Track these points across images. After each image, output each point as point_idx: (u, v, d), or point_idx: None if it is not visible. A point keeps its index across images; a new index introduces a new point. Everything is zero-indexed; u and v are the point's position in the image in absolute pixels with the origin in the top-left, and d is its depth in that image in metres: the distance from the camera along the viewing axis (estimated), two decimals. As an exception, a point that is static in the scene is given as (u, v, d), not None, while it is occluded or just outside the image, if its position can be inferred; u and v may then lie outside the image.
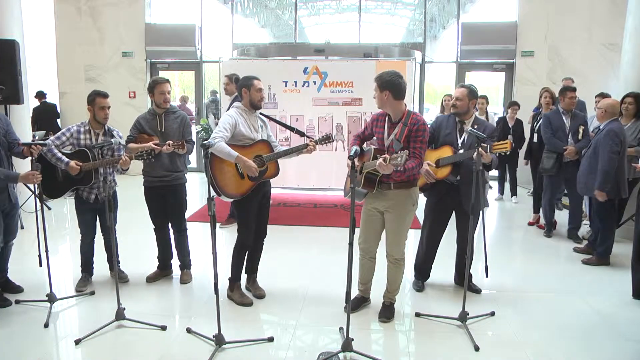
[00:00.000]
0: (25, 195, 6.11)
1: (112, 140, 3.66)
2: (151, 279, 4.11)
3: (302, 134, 4.04)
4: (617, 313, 3.63)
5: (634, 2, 5.84)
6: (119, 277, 3.93)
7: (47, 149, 3.63)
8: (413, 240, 5.41)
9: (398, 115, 3.24)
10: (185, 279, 4.12)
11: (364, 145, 3.48)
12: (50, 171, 3.73)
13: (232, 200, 3.64)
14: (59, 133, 3.80)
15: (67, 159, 3.63)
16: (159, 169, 3.89)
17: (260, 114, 3.72)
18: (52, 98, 9.12)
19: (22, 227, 5.59)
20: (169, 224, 4.12)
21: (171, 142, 3.72)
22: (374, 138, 3.43)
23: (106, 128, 3.81)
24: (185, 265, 4.18)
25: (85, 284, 3.95)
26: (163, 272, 4.18)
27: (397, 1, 15.51)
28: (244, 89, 3.55)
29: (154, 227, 4.08)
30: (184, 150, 3.80)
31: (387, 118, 3.31)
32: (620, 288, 4.03)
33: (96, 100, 3.71)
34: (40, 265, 3.58)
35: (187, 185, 4.11)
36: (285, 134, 6.33)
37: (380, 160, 2.98)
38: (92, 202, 3.82)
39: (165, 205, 4.02)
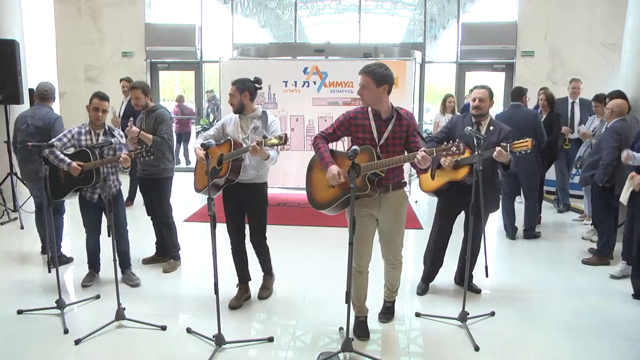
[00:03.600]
0: (25, 195, 6.11)
1: (113, 140, 3.66)
2: (147, 262, 4.39)
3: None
4: (617, 313, 3.63)
5: (634, 2, 5.84)
6: (129, 280, 3.97)
7: (49, 151, 3.66)
8: (414, 241, 5.42)
9: (388, 110, 3.01)
10: (167, 268, 4.27)
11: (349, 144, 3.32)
12: (53, 172, 3.75)
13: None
14: (60, 135, 3.82)
15: (68, 160, 3.67)
16: (141, 162, 4.00)
17: (264, 114, 3.60)
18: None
19: (22, 227, 5.61)
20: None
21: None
22: (347, 138, 3.19)
23: (106, 128, 3.84)
24: (171, 255, 4.36)
25: (91, 279, 3.97)
26: (159, 257, 4.43)
27: (397, 1, 15.51)
28: None
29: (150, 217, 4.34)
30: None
31: (372, 115, 3.03)
32: (620, 288, 4.03)
33: (93, 100, 3.76)
34: (50, 272, 3.56)
35: (172, 179, 4.37)
36: (285, 132, 6.35)
37: (422, 153, 2.79)
38: (95, 202, 3.84)
39: (150, 197, 4.35)
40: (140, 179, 4.35)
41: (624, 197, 4.19)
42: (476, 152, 3.23)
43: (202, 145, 3.07)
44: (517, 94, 5.52)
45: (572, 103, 6.52)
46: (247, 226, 3.71)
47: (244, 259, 3.73)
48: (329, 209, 3.13)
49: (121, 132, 3.97)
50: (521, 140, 3.35)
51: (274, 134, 3.35)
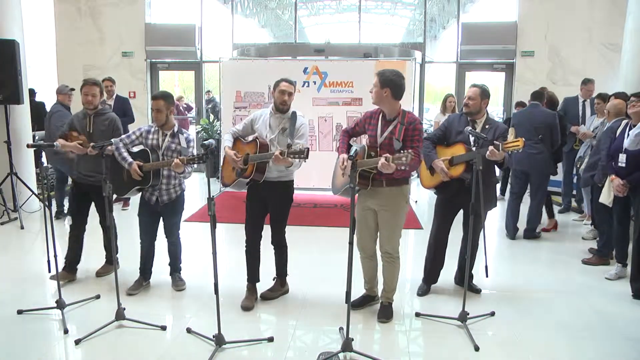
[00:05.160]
0: (25, 195, 6.12)
1: (112, 140, 3.64)
2: (54, 277, 3.72)
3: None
4: (617, 313, 3.63)
5: (634, 2, 5.85)
6: (175, 285, 3.96)
7: (115, 147, 3.66)
8: (414, 241, 5.42)
9: (393, 113, 3.29)
10: (101, 271, 4.14)
11: (351, 141, 3.53)
12: (117, 170, 3.77)
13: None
14: (130, 132, 3.80)
15: (130, 160, 3.64)
16: (86, 167, 3.90)
17: (293, 115, 3.62)
18: (52, 98, 9.10)
19: (22, 227, 5.61)
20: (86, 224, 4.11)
21: (94, 144, 3.64)
22: (364, 135, 3.47)
23: (175, 129, 3.75)
24: (109, 260, 4.15)
25: (137, 287, 3.85)
26: (70, 273, 4.03)
27: (397, 1, 15.51)
28: (272, 90, 3.66)
29: (70, 224, 3.91)
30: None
31: (381, 115, 3.34)
32: (620, 288, 4.03)
33: (152, 102, 3.71)
34: (50, 272, 3.56)
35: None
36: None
37: (382, 160, 3.02)
38: (152, 204, 3.79)
39: (87, 203, 4.05)
40: (81, 184, 3.98)
41: (607, 199, 4.21)
42: (474, 150, 3.25)
43: (202, 145, 3.07)
44: (537, 95, 5.53)
45: (584, 102, 6.49)
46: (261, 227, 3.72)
47: (257, 258, 3.73)
48: (340, 193, 3.52)
49: (190, 136, 3.80)
50: (512, 140, 3.40)
51: (297, 145, 3.35)
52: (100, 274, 4.15)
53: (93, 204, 4.09)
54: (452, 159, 3.60)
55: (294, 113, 3.62)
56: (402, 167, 2.99)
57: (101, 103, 4.11)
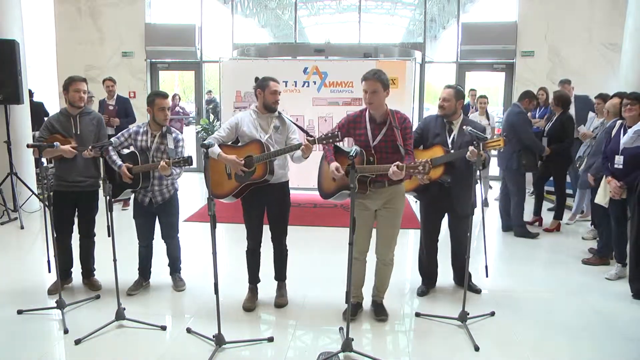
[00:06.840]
0: (25, 195, 6.12)
1: (112, 140, 3.64)
2: (52, 292, 3.73)
3: (305, 133, 3.96)
4: (617, 313, 3.63)
5: (634, 2, 5.86)
6: (175, 285, 3.96)
7: (106, 151, 3.62)
8: (414, 241, 5.42)
9: (383, 115, 3.21)
10: (97, 285, 3.92)
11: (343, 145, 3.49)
12: (110, 172, 3.72)
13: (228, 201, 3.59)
14: (119, 134, 3.77)
15: (119, 162, 3.62)
16: (74, 174, 3.74)
17: (280, 114, 3.56)
18: (52, 98, 9.11)
19: (22, 227, 5.61)
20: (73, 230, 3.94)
21: (94, 144, 3.58)
22: (347, 139, 3.39)
23: (163, 130, 3.72)
24: (90, 271, 4.00)
25: (137, 287, 3.86)
26: (66, 280, 3.93)
27: (397, 1, 15.53)
28: (258, 90, 3.51)
29: (55, 235, 3.48)
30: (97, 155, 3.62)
31: (368, 118, 3.24)
32: (620, 288, 4.03)
33: (156, 101, 3.64)
34: (49, 272, 3.55)
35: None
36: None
37: (394, 168, 2.96)
38: (146, 205, 3.78)
39: (74, 211, 3.86)
40: (68, 193, 3.75)
41: (602, 200, 4.21)
42: (452, 152, 3.26)
43: (202, 145, 3.06)
44: (521, 95, 5.63)
45: None
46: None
47: (259, 260, 3.72)
48: (332, 198, 3.41)
49: (179, 136, 3.76)
50: (494, 139, 3.44)
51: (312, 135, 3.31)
52: (97, 288, 3.93)
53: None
54: (431, 161, 3.58)
55: (280, 113, 3.58)
56: (419, 176, 2.97)
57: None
